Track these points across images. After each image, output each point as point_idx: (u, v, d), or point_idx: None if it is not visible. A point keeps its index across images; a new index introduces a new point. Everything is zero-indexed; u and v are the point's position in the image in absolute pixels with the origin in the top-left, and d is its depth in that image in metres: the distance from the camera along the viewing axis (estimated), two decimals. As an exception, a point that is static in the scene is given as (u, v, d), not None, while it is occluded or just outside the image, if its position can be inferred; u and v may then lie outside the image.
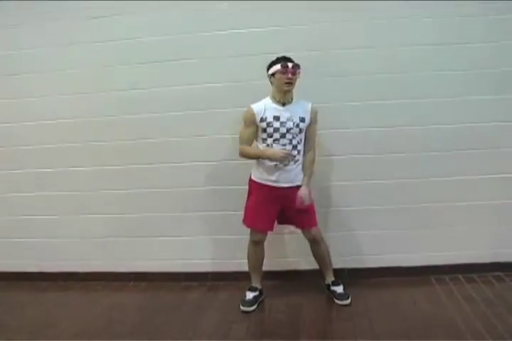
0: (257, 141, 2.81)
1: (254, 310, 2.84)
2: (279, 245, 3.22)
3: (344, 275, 3.06)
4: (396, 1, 2.95)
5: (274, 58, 2.73)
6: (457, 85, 3.00)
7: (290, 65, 2.65)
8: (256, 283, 2.97)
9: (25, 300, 3.22)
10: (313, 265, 3.03)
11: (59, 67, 3.28)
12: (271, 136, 2.72)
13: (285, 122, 2.71)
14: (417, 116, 3.05)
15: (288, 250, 3.27)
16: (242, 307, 2.85)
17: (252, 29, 3.07)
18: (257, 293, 2.93)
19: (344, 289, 2.90)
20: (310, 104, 2.79)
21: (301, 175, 2.82)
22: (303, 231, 2.90)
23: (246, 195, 2.89)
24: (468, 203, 3.09)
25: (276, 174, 2.75)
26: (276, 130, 2.71)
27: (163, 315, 2.86)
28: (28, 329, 2.76)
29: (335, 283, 2.93)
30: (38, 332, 2.71)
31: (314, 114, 2.78)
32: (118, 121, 3.26)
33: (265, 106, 2.73)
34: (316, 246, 2.91)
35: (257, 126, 2.74)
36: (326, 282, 2.97)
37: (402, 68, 3.01)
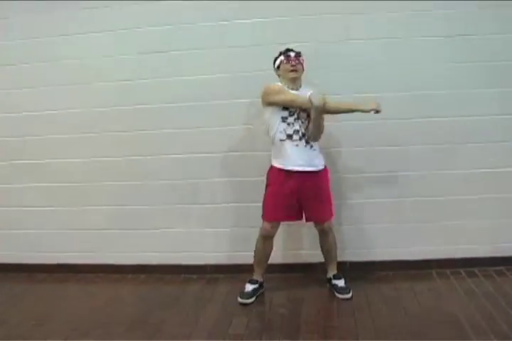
0: (272, 127, 2.74)
1: (252, 303, 2.82)
2: (282, 237, 3.18)
3: (346, 269, 3.05)
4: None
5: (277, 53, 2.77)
6: (468, 77, 2.97)
7: (292, 53, 2.71)
8: (257, 276, 2.95)
9: (23, 292, 3.20)
10: (317, 258, 3.00)
11: (55, 58, 3.24)
12: (292, 114, 2.71)
13: None
14: (424, 108, 3.02)
15: (291, 242, 3.24)
16: (240, 299, 2.83)
17: (257, 19, 3.03)
18: (256, 286, 2.91)
19: (345, 283, 2.89)
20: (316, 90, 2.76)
21: (318, 160, 2.78)
22: (314, 222, 2.88)
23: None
24: (470, 197, 3.07)
25: (295, 156, 2.71)
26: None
27: (162, 308, 2.83)
28: (26, 322, 2.73)
29: (336, 277, 2.92)
30: (36, 325, 2.68)
31: None
32: (119, 111, 3.23)
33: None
34: (325, 237, 2.90)
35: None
36: (328, 275, 2.96)
37: (412, 60, 2.99)
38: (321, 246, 2.95)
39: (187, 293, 3.04)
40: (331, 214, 2.88)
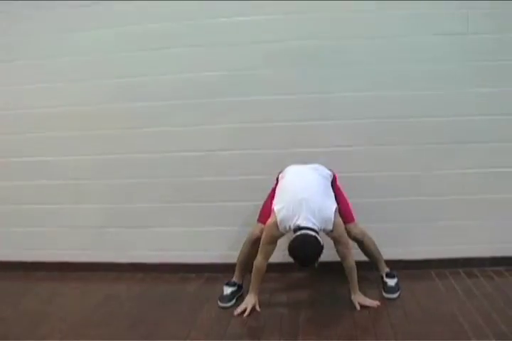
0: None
1: (232, 306, 2.77)
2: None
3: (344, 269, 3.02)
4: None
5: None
6: (460, 77, 2.95)
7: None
8: (237, 278, 2.91)
9: (21, 290, 3.18)
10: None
11: (55, 55, 3.21)
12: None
13: None
14: (419, 108, 3.00)
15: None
16: (219, 303, 2.79)
17: (254, 17, 2.99)
18: (235, 288, 2.86)
19: (397, 283, 2.83)
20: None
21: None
22: None
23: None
24: (469, 197, 3.06)
25: None
26: None
27: (160, 307, 2.82)
28: (23, 320, 2.73)
29: (389, 275, 2.86)
30: (33, 323, 2.67)
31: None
32: (118, 109, 3.21)
33: None
34: (360, 245, 2.84)
35: None
36: (380, 273, 2.90)
37: (406, 59, 2.96)
38: (362, 252, 2.89)
39: (185, 292, 3.03)
40: (351, 218, 2.77)
